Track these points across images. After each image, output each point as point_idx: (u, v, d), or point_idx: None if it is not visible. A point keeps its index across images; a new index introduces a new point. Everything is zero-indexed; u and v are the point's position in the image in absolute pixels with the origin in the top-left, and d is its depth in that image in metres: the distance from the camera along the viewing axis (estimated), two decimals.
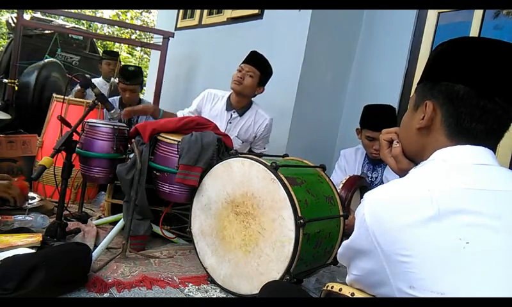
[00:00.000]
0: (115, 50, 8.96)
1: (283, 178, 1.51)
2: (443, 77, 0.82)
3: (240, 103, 2.60)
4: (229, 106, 2.61)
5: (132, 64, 10.41)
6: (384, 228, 0.73)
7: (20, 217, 1.96)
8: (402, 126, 0.94)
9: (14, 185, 2.09)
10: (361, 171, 2.50)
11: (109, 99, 2.72)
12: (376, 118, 2.27)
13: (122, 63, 4.31)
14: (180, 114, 2.72)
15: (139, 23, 12.46)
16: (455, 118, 0.80)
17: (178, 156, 1.87)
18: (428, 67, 0.88)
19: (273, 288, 1.24)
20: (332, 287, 0.89)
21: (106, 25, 10.48)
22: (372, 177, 2.44)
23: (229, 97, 2.63)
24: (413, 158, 0.91)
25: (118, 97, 3.28)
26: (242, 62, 2.54)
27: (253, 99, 2.65)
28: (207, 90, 2.73)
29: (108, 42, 10.13)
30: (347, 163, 2.57)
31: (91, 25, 9.86)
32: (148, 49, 5.21)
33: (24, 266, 1.28)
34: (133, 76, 3.07)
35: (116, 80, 3.30)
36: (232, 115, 2.60)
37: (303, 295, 1.18)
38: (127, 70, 3.11)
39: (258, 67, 2.51)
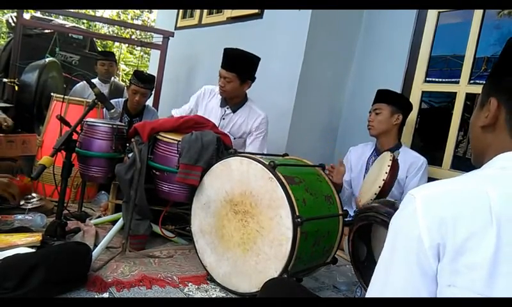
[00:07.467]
0: (115, 49, 8.95)
1: (281, 177, 1.52)
2: (507, 72, 0.78)
3: (233, 100, 2.60)
4: (223, 102, 2.63)
5: (132, 64, 10.43)
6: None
7: (20, 217, 1.97)
8: (470, 125, 0.89)
9: (13, 183, 2.08)
10: (366, 164, 2.57)
11: (113, 101, 2.70)
12: None
13: (131, 65, 4.30)
14: (174, 112, 2.73)
15: (139, 23, 12.45)
16: None
17: (177, 155, 1.88)
18: (495, 64, 0.84)
19: (275, 285, 1.24)
20: None
21: (106, 24, 10.48)
22: None
23: None
24: (480, 159, 0.84)
25: (123, 100, 3.22)
26: (221, 65, 2.47)
27: (249, 96, 2.65)
28: (204, 86, 2.75)
29: (108, 41, 10.12)
30: (352, 158, 2.67)
31: (91, 25, 9.85)
32: (148, 49, 5.20)
33: (24, 265, 1.29)
34: (148, 80, 3.09)
35: (116, 80, 3.28)
36: (225, 111, 2.61)
37: (305, 292, 1.18)
38: (142, 74, 3.14)
39: (233, 70, 2.42)
